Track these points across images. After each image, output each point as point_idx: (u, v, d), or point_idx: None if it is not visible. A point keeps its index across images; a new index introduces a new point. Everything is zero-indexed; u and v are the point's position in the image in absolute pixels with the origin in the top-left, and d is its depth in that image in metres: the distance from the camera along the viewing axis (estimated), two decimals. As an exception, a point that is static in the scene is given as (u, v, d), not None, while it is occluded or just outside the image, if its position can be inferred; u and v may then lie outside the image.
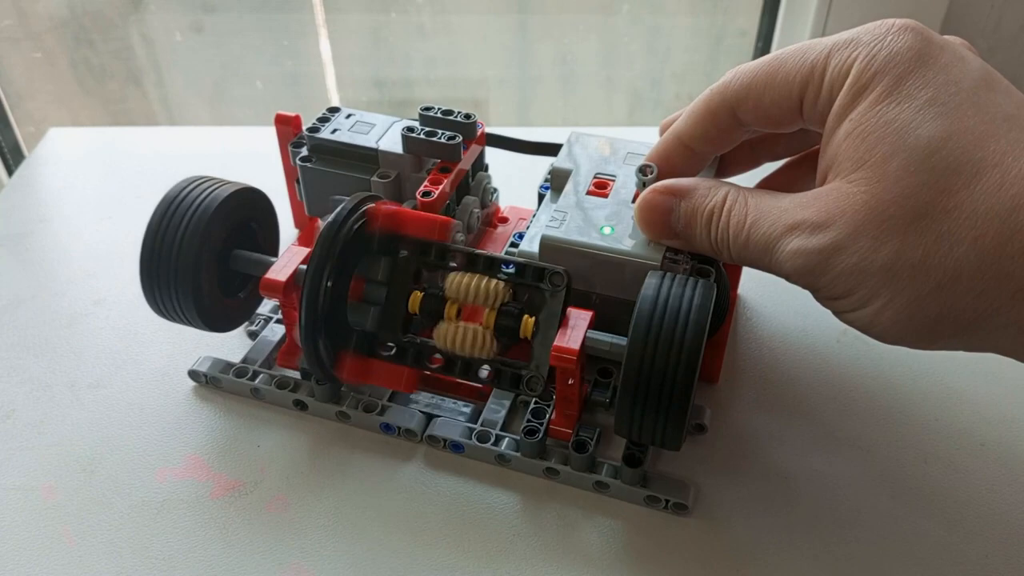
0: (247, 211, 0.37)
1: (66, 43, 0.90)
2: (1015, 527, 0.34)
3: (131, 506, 0.34)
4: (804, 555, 0.33)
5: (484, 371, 0.34)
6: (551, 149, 0.43)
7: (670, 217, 0.32)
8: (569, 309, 0.33)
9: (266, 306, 0.41)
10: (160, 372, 0.40)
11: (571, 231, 0.35)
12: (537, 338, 0.33)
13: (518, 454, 0.35)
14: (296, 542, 0.33)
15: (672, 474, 0.35)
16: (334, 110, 0.42)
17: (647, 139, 0.40)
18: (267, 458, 0.36)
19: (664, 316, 0.29)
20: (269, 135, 0.44)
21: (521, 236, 0.37)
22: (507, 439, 0.35)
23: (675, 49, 0.96)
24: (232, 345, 0.41)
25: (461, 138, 0.39)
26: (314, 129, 0.41)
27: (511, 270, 0.33)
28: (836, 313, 0.29)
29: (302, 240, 0.45)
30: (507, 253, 0.40)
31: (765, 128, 0.32)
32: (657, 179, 0.33)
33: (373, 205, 0.34)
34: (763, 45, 0.84)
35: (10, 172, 0.80)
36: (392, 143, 0.40)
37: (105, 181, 0.53)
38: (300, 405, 0.37)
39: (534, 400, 0.36)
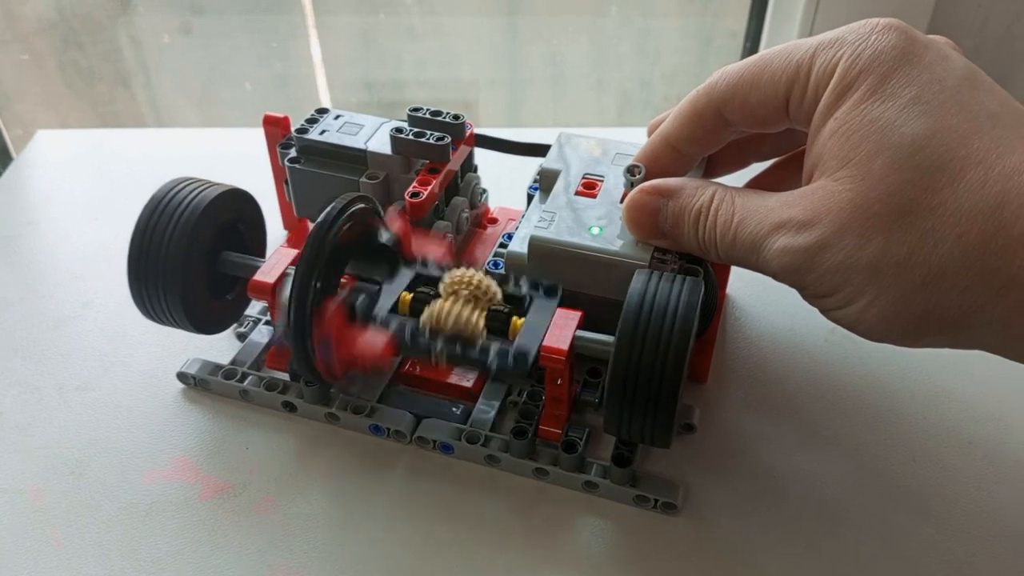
0: (234, 213, 0.37)
1: (54, 45, 0.89)
2: (1002, 525, 0.34)
3: (119, 508, 0.34)
4: (793, 554, 0.33)
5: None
6: (540, 150, 0.43)
7: (658, 217, 0.32)
8: (558, 309, 0.33)
9: (255, 308, 0.41)
10: (148, 374, 0.40)
11: (560, 231, 0.35)
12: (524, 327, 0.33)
13: (507, 455, 0.35)
14: (285, 544, 0.33)
15: (661, 474, 0.35)
16: (323, 111, 0.42)
17: (636, 140, 0.40)
18: (256, 460, 0.36)
19: (651, 315, 0.29)
20: (258, 137, 0.43)
21: (510, 237, 0.37)
22: (496, 440, 0.35)
23: (664, 50, 0.97)
24: (221, 347, 0.41)
25: (450, 139, 0.39)
26: (302, 130, 0.41)
27: (500, 270, 0.33)
28: (823, 311, 0.29)
29: (291, 242, 0.45)
30: (495, 255, 0.40)
31: (752, 128, 0.32)
32: (645, 179, 0.33)
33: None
34: (751, 46, 0.84)
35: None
36: (381, 144, 0.40)
37: (93, 183, 0.53)
38: (289, 407, 0.37)
39: (523, 400, 0.36)
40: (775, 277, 0.30)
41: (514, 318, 0.33)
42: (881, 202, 0.26)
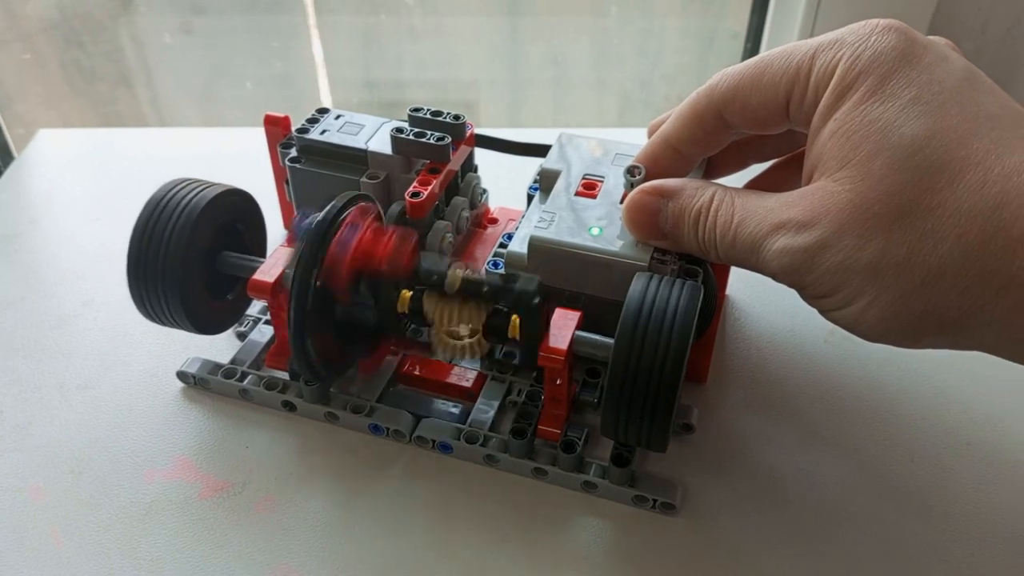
0: (233, 213, 0.37)
1: (56, 45, 0.90)
2: (1001, 525, 0.34)
3: (119, 507, 0.34)
4: (791, 554, 0.33)
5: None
6: (540, 150, 0.43)
7: (658, 217, 0.32)
8: (557, 309, 0.33)
9: (255, 307, 0.41)
10: (148, 373, 0.40)
11: (560, 232, 0.35)
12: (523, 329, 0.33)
13: (506, 455, 0.35)
14: (284, 543, 0.33)
15: (660, 474, 0.35)
16: (323, 111, 0.42)
17: (636, 140, 0.40)
18: (255, 459, 0.36)
19: (650, 318, 0.30)
20: (259, 136, 0.44)
21: (510, 237, 0.37)
22: (495, 440, 0.35)
23: (665, 51, 0.97)
24: (221, 346, 0.41)
25: (450, 139, 0.39)
26: (303, 130, 0.41)
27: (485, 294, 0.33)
28: (822, 312, 0.29)
29: (290, 241, 0.45)
30: (496, 254, 0.40)
31: (752, 130, 0.32)
32: (646, 180, 0.33)
33: (328, 256, 0.33)
34: (752, 46, 0.84)
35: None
36: (381, 144, 0.40)
37: (95, 183, 0.53)
38: (288, 406, 0.37)
39: (523, 400, 0.36)
40: (775, 278, 0.30)
41: (513, 317, 0.33)
42: (881, 203, 0.26)
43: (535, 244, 0.35)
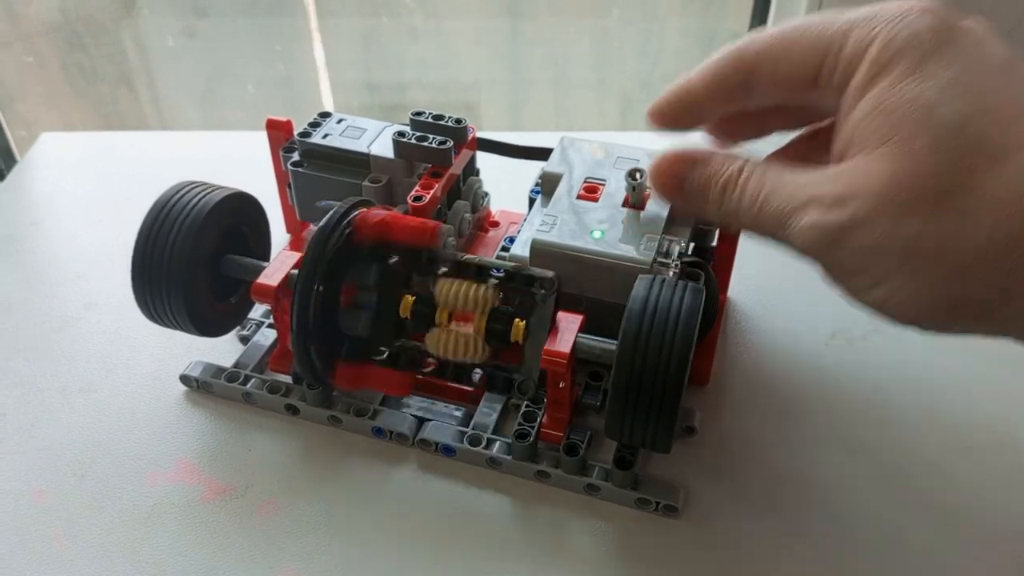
0: (238, 216, 0.37)
1: (58, 47, 0.90)
2: (1003, 529, 0.34)
3: (122, 510, 0.34)
4: (793, 556, 0.33)
5: (476, 375, 0.34)
6: (542, 153, 0.43)
7: (686, 176, 0.32)
8: (560, 313, 0.33)
9: (258, 311, 0.41)
10: (151, 376, 0.40)
11: (562, 235, 0.35)
12: (528, 342, 0.33)
13: (509, 457, 0.35)
14: (287, 546, 0.33)
15: (662, 476, 0.35)
16: (325, 115, 0.42)
17: (638, 143, 0.40)
18: (258, 462, 0.36)
19: (653, 320, 0.30)
20: (261, 140, 0.44)
21: (512, 240, 0.37)
22: (499, 442, 0.36)
23: (666, 51, 0.97)
24: (224, 349, 0.41)
25: (452, 143, 0.39)
26: (305, 134, 0.41)
27: (501, 275, 0.33)
28: (847, 292, 0.28)
29: (293, 245, 0.45)
30: (498, 257, 0.40)
31: (774, 97, 0.31)
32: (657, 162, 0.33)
33: (360, 213, 0.34)
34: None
35: (2, 176, 0.80)
36: (383, 148, 0.40)
37: (97, 185, 0.53)
38: (292, 409, 0.37)
39: (525, 404, 0.36)
40: (801, 253, 0.29)
41: (516, 320, 0.33)
42: (920, 183, 0.25)
43: (537, 247, 0.35)
